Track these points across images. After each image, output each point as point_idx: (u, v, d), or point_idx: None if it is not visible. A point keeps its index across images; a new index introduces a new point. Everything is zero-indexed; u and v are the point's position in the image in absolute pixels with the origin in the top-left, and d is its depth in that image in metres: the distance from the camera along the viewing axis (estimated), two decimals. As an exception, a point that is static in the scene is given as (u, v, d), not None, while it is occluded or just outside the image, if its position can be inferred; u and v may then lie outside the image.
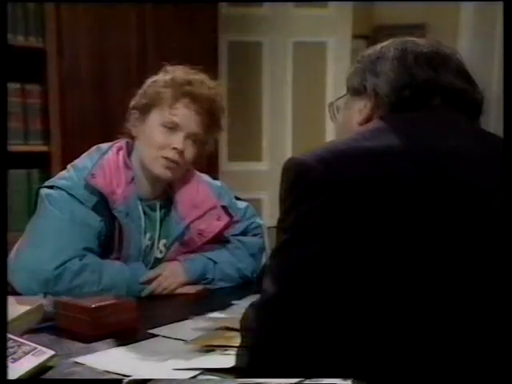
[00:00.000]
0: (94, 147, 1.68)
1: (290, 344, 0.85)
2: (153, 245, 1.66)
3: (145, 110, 1.61)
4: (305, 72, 3.53)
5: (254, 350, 0.88)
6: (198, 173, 1.77)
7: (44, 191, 1.57)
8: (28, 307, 1.29)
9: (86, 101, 2.73)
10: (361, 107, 1.05)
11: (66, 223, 1.51)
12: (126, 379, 0.92)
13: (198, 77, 1.62)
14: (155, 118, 1.59)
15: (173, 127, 1.57)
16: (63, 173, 1.63)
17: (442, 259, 0.84)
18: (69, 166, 1.64)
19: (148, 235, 1.65)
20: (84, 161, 1.63)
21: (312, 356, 0.84)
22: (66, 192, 1.55)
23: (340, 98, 1.16)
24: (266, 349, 0.86)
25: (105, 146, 1.67)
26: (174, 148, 1.57)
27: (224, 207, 1.74)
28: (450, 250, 0.85)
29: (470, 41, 3.33)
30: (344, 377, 0.80)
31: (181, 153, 1.58)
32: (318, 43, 3.50)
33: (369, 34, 3.74)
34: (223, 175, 3.23)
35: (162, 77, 1.63)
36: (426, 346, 0.82)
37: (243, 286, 1.68)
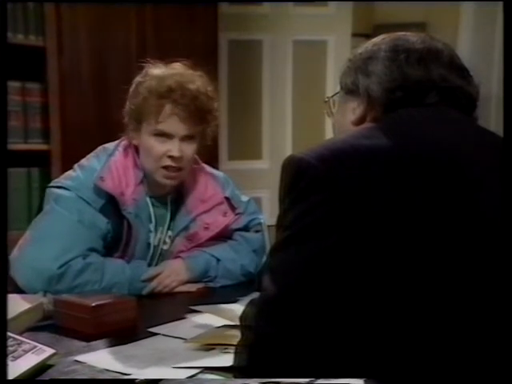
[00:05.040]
0: (100, 147, 1.68)
1: (289, 342, 0.85)
2: (160, 239, 1.67)
3: (137, 120, 1.60)
4: (305, 70, 3.53)
5: (253, 348, 0.88)
6: (204, 167, 1.78)
7: (52, 191, 1.58)
8: (28, 305, 1.29)
9: (85, 99, 2.73)
10: (354, 106, 1.05)
11: (73, 223, 1.52)
12: (138, 379, 0.92)
13: (177, 78, 1.58)
14: (146, 129, 1.59)
15: (165, 135, 1.57)
16: (70, 173, 1.63)
17: (443, 257, 0.84)
18: (75, 166, 1.64)
19: (160, 229, 1.66)
20: (91, 161, 1.63)
21: (313, 354, 0.84)
22: (74, 193, 1.55)
23: (335, 94, 1.15)
24: (265, 346, 0.86)
25: (110, 146, 1.67)
26: (171, 156, 1.57)
27: (227, 198, 1.74)
28: (451, 248, 0.84)
29: (470, 40, 3.33)
30: (353, 376, 0.79)
31: (178, 159, 1.58)
32: (318, 42, 3.50)
33: (369, 33, 3.74)
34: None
35: (142, 84, 1.60)
36: (438, 344, 0.82)
37: (244, 285, 1.68)
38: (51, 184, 1.61)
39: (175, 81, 1.57)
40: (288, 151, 3.36)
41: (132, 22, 2.84)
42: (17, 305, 1.27)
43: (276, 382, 0.81)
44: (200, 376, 1.02)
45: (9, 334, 1.03)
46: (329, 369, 0.83)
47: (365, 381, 0.79)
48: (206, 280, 1.66)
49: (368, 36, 3.81)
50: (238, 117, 3.49)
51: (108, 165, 1.60)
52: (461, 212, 0.87)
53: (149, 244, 1.64)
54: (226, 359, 1.02)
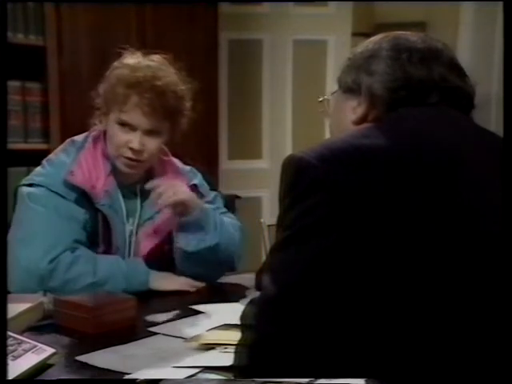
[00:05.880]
0: (68, 140, 1.67)
1: (289, 341, 0.85)
2: (131, 230, 1.65)
3: (105, 108, 1.60)
4: (305, 70, 3.53)
5: (253, 348, 0.88)
6: (173, 160, 1.76)
7: (23, 190, 1.57)
8: (28, 305, 1.29)
9: (85, 99, 2.73)
10: (354, 106, 1.05)
11: (52, 218, 1.51)
12: (139, 379, 0.92)
13: (146, 71, 1.56)
14: (112, 115, 1.58)
15: (128, 126, 1.56)
16: (39, 169, 1.62)
17: (443, 256, 0.84)
18: (43, 162, 1.63)
19: (131, 220, 1.65)
20: (59, 156, 1.62)
21: (313, 354, 0.84)
22: (47, 188, 1.54)
23: (333, 93, 1.15)
24: (265, 346, 0.86)
25: (79, 138, 1.66)
26: (131, 148, 1.56)
27: (195, 185, 1.72)
28: (451, 247, 0.84)
29: (470, 40, 3.33)
30: (354, 376, 0.79)
31: (139, 151, 1.57)
32: (318, 41, 3.50)
33: (369, 32, 3.73)
34: (223, 173, 3.23)
35: (114, 71, 1.60)
36: (438, 344, 0.82)
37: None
38: (22, 183, 1.60)
39: (145, 74, 1.56)
40: (288, 151, 3.36)
41: (132, 21, 2.84)
42: (17, 304, 1.27)
43: (276, 381, 0.82)
44: (200, 375, 1.02)
45: (9, 333, 1.03)
46: (329, 369, 0.83)
47: (366, 381, 0.79)
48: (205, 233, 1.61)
49: (368, 35, 3.79)
50: (237, 116, 3.49)
51: (77, 158, 1.59)
52: (460, 211, 0.87)
53: (124, 236, 1.63)
54: (226, 359, 1.02)
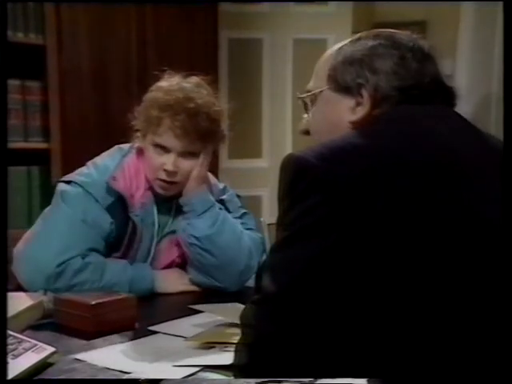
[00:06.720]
0: (116, 147, 1.69)
1: (290, 341, 0.85)
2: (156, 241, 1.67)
3: (143, 131, 1.61)
4: (305, 69, 3.50)
5: (253, 347, 0.88)
6: (210, 177, 1.74)
7: (60, 186, 1.58)
8: (28, 304, 1.29)
9: (85, 98, 2.73)
10: (351, 105, 1.02)
11: (76, 222, 1.52)
12: (141, 378, 0.93)
13: (178, 94, 1.56)
14: (148, 138, 1.59)
15: (162, 148, 1.57)
16: (82, 169, 1.63)
17: (443, 255, 0.84)
18: (89, 163, 1.65)
19: (160, 234, 1.66)
20: (105, 160, 1.64)
21: (314, 353, 0.84)
22: (83, 189, 1.55)
23: (319, 91, 1.10)
24: (265, 345, 0.86)
25: (126, 146, 1.68)
26: (166, 170, 1.57)
27: (222, 200, 1.71)
28: (451, 245, 0.85)
29: (470, 39, 3.33)
30: (356, 376, 0.79)
31: (172, 173, 1.57)
32: (318, 40, 3.50)
33: (369, 32, 3.73)
34: (223, 172, 3.23)
35: (150, 93, 1.61)
36: (440, 342, 0.82)
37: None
38: (62, 178, 1.62)
39: (176, 96, 1.56)
40: (288, 150, 3.36)
41: (132, 21, 2.84)
42: (17, 303, 1.27)
43: (276, 381, 0.82)
44: (200, 374, 1.02)
45: (9, 332, 1.03)
46: (330, 368, 0.83)
47: (367, 380, 0.80)
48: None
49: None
50: (237, 115, 3.49)
51: (121, 165, 1.61)
52: (461, 211, 0.87)
53: (150, 248, 1.64)
54: (226, 357, 1.03)
